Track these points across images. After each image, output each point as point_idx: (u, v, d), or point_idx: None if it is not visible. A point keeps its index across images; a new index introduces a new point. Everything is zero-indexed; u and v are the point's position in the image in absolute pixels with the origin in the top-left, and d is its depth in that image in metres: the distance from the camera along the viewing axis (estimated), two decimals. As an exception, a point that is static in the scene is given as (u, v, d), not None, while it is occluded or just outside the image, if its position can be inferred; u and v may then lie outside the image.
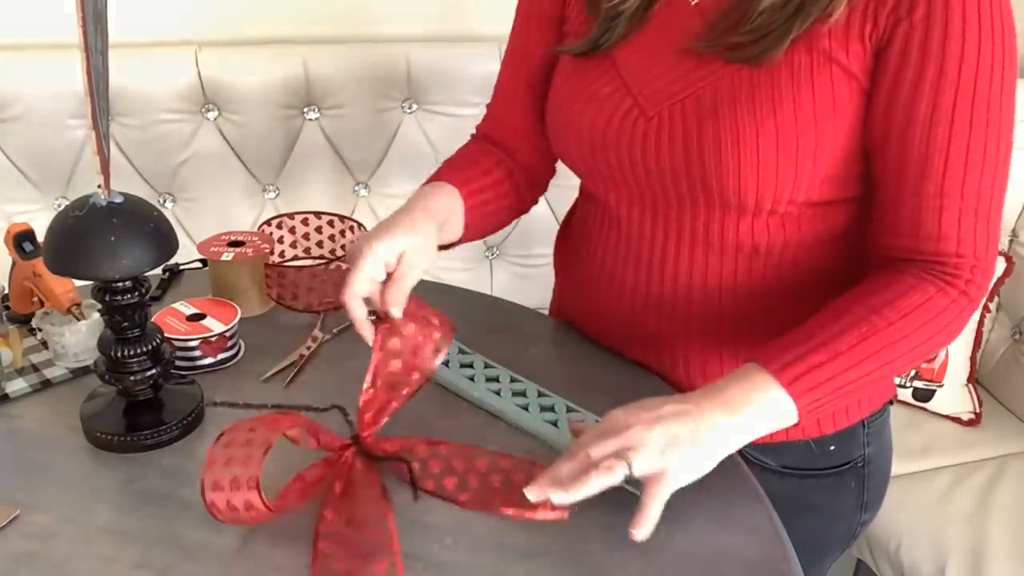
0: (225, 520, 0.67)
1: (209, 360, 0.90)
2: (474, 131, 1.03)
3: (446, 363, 0.90)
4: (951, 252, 0.75)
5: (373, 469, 0.74)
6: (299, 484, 0.72)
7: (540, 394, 0.86)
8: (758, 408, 0.70)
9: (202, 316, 0.92)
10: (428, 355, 0.79)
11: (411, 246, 0.79)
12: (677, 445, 0.67)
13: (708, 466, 0.69)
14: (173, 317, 0.92)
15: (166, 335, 0.82)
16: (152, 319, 0.83)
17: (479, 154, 0.97)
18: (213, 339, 0.89)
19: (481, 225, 0.94)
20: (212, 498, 0.66)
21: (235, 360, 0.93)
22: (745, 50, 0.74)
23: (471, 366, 0.90)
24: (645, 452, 0.66)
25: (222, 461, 0.66)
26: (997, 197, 0.74)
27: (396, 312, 0.76)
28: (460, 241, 0.93)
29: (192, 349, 0.89)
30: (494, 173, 0.95)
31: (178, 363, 0.88)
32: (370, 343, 0.77)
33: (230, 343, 0.92)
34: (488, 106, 1.01)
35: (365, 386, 0.76)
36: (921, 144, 0.73)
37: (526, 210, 1.02)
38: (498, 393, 0.86)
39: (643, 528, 0.66)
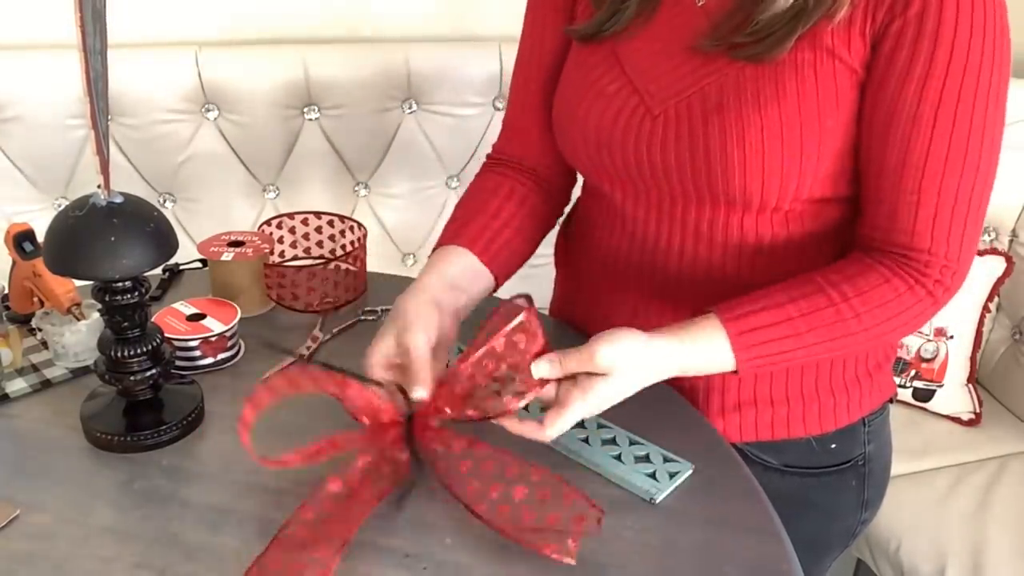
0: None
1: (209, 360, 0.90)
2: (489, 152, 1.01)
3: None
4: (923, 249, 0.75)
5: (405, 455, 0.72)
6: (331, 443, 0.71)
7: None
8: (703, 356, 0.75)
9: (202, 316, 0.92)
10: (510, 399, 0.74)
11: (398, 327, 0.76)
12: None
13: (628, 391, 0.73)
14: (173, 317, 0.92)
15: (166, 335, 0.82)
16: (152, 319, 0.83)
17: (488, 192, 0.94)
18: (213, 339, 0.89)
19: (512, 264, 0.92)
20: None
21: (235, 360, 0.93)
22: (749, 48, 0.75)
23: None
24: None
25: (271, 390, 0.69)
26: (977, 201, 0.75)
27: (421, 392, 0.73)
28: (499, 285, 0.90)
29: (192, 349, 0.89)
30: (507, 209, 0.92)
31: (178, 363, 0.88)
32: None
33: (230, 343, 0.92)
34: (504, 121, 1.00)
35: (460, 366, 0.72)
36: (903, 139, 0.73)
37: (553, 225, 1.01)
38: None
39: (553, 427, 0.71)
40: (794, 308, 0.75)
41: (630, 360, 0.72)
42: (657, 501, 0.73)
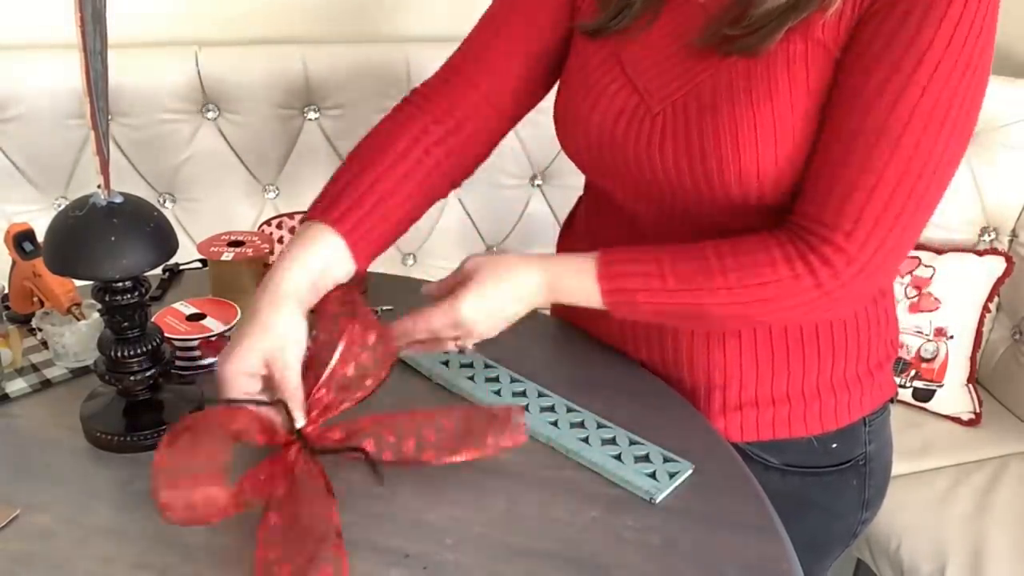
0: (179, 521, 0.64)
1: (209, 360, 0.90)
2: (416, 87, 0.92)
3: (445, 363, 0.90)
4: (824, 222, 0.72)
5: (317, 465, 0.71)
6: (251, 481, 0.68)
7: (540, 394, 0.86)
8: (572, 288, 0.79)
9: (202, 316, 0.92)
10: (380, 362, 0.76)
11: (268, 345, 0.71)
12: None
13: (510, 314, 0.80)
14: (173, 317, 0.92)
15: (166, 335, 0.82)
16: (152, 319, 0.83)
17: (387, 144, 0.86)
18: (213, 339, 0.89)
19: (381, 248, 0.83)
20: (168, 497, 0.63)
21: None
22: (739, 42, 0.75)
23: (471, 365, 0.90)
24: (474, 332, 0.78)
25: (175, 460, 0.64)
26: (906, 194, 0.69)
27: (299, 420, 0.71)
28: (364, 266, 0.81)
29: (192, 349, 0.89)
30: (402, 165, 0.84)
31: (178, 363, 0.88)
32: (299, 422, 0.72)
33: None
34: (448, 64, 0.92)
35: (317, 385, 0.73)
36: (843, 113, 0.71)
37: (450, 188, 0.91)
38: (498, 393, 0.86)
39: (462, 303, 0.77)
40: (668, 256, 0.77)
41: (495, 267, 0.78)
42: (657, 501, 0.73)
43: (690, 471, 0.77)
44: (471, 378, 0.89)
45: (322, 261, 0.77)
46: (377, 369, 0.76)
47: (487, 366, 0.91)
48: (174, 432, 0.66)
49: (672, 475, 0.76)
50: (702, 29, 0.78)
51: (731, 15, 0.76)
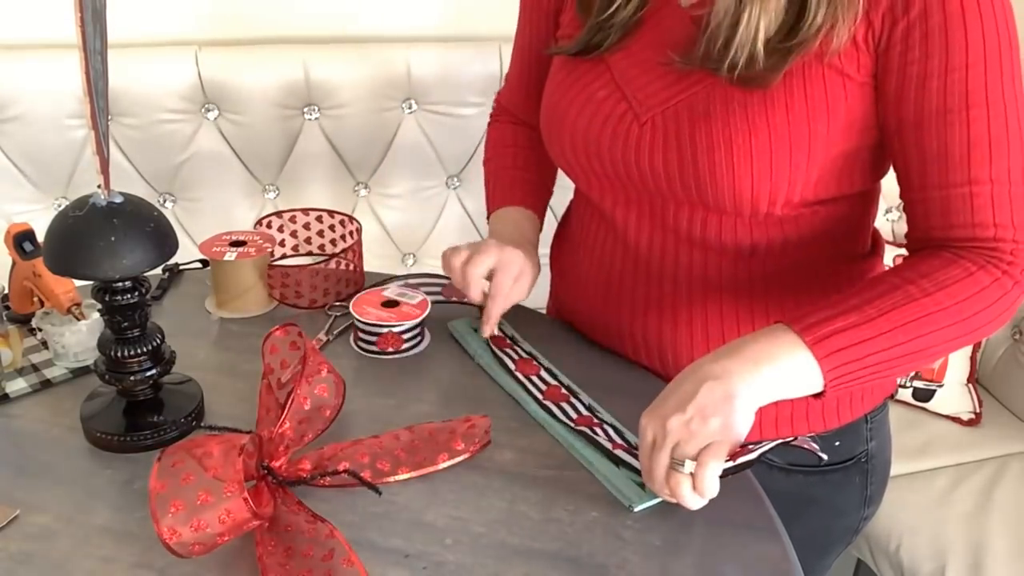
0: (182, 551, 0.63)
1: (387, 349, 0.93)
2: (496, 97, 1.12)
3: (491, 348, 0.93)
4: (988, 237, 0.73)
5: (292, 497, 0.71)
6: (226, 530, 0.65)
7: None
8: (782, 368, 0.68)
9: (396, 304, 0.95)
10: (335, 393, 0.80)
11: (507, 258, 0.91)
12: (712, 412, 0.66)
13: (744, 423, 0.67)
14: (368, 302, 0.95)
15: (353, 313, 0.92)
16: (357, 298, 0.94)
17: (512, 139, 1.07)
18: (387, 332, 0.92)
19: (545, 206, 1.06)
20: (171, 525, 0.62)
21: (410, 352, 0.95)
22: (738, 72, 0.74)
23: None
24: (692, 440, 0.66)
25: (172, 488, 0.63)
26: None
27: (487, 331, 0.92)
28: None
29: (372, 335, 0.93)
30: (535, 154, 1.04)
31: (360, 344, 0.94)
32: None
33: (405, 343, 0.94)
34: (507, 77, 1.09)
35: (279, 421, 0.75)
36: (938, 135, 0.72)
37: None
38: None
39: (700, 500, 0.67)
40: (873, 309, 0.69)
41: (678, 378, 0.70)
42: (636, 509, 0.73)
43: None
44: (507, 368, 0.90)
45: (531, 229, 1.00)
46: (333, 400, 0.79)
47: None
48: (160, 460, 0.65)
49: None
50: (691, 45, 0.77)
51: (722, 35, 0.75)
